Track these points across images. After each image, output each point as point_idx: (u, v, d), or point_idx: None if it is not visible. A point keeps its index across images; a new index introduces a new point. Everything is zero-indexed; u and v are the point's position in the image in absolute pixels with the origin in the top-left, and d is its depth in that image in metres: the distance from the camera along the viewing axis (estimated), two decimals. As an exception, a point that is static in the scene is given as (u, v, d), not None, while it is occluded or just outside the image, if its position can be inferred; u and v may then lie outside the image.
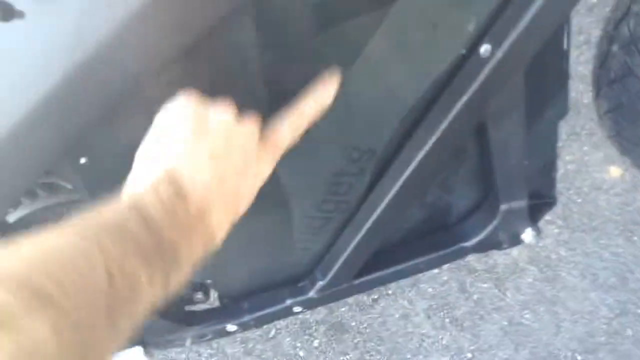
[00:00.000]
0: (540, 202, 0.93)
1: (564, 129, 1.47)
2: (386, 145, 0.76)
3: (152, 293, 0.41)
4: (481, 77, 0.66)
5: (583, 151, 1.43)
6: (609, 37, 0.98)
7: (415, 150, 0.75)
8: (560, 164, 1.43)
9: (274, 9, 0.57)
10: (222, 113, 0.51)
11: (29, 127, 0.56)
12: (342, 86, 0.68)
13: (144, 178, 0.48)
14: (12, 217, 0.81)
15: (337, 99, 0.69)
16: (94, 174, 0.67)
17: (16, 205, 0.80)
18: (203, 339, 1.00)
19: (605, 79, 1.02)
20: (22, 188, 0.63)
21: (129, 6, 0.50)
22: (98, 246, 0.38)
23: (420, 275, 1.38)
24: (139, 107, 0.61)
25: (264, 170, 0.56)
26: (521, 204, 0.87)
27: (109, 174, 0.68)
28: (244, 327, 1.00)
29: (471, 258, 1.39)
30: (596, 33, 1.30)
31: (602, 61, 1.01)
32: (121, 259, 0.39)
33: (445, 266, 1.38)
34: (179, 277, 0.45)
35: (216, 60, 0.58)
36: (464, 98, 0.68)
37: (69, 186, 0.84)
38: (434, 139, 0.72)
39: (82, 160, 0.65)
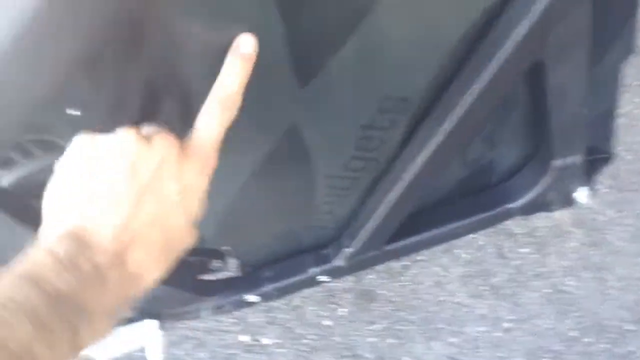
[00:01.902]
0: (596, 157, 0.83)
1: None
2: (423, 92, 0.66)
3: (58, 355, 0.40)
4: (541, 4, 0.55)
5: (634, 103, 1.31)
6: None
7: (458, 97, 0.65)
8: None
9: None
10: (120, 140, 0.47)
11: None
12: (371, 24, 0.58)
13: (46, 236, 0.46)
14: (6, 180, 0.73)
15: (366, 39, 0.60)
16: (84, 126, 0.59)
17: (9, 165, 0.73)
18: (220, 311, 0.93)
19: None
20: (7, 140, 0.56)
21: None
22: None
23: (454, 240, 1.29)
24: (125, 56, 0.53)
25: (195, 184, 0.50)
26: (576, 159, 0.76)
27: (100, 126, 0.60)
28: (265, 297, 0.92)
29: (509, 221, 1.29)
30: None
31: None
32: (9, 334, 0.37)
33: (482, 230, 1.29)
34: (94, 330, 0.43)
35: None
36: (519, 32, 0.57)
37: (65, 143, 0.77)
38: (480, 83, 0.62)
39: (72, 111, 0.56)
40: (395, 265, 1.29)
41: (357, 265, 0.90)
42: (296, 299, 1.30)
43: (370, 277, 1.29)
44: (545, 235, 1.26)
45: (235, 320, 1.29)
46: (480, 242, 1.27)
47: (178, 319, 0.91)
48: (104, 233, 0.45)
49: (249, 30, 0.55)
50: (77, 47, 0.49)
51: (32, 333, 0.39)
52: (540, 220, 1.27)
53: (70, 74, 0.51)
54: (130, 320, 0.85)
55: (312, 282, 0.91)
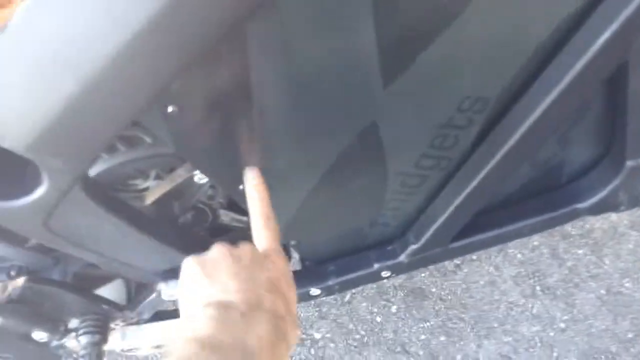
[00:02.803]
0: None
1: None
2: (502, 93, 0.67)
3: None
4: (628, 9, 0.56)
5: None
6: None
7: (537, 99, 0.65)
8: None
9: None
10: (217, 249, 0.58)
11: (119, 70, 0.50)
12: (459, 26, 0.59)
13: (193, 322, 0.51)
14: (93, 171, 0.77)
15: (448, 41, 0.61)
16: (184, 126, 0.62)
17: (95, 159, 0.76)
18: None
19: None
20: (111, 133, 0.58)
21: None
22: None
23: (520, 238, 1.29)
24: (226, 56, 0.55)
25: (276, 271, 0.59)
26: (651, 160, 0.76)
27: (202, 125, 0.63)
28: (327, 291, 0.94)
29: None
30: None
31: None
32: None
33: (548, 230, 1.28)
34: None
35: None
36: (604, 35, 0.58)
37: (149, 140, 0.79)
38: (561, 85, 0.63)
39: (170, 109, 0.59)
40: (447, 264, 1.29)
41: (421, 261, 0.91)
42: (347, 294, 1.31)
43: (422, 275, 1.30)
44: (601, 236, 1.25)
45: (287, 314, 1.31)
46: (535, 243, 1.27)
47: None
48: (234, 296, 0.52)
49: (341, 30, 0.57)
50: (186, 49, 0.51)
51: None
52: (596, 221, 1.26)
53: (177, 73, 0.53)
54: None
55: (375, 277, 0.92)
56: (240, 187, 0.74)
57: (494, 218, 0.87)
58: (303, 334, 1.29)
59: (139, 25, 0.47)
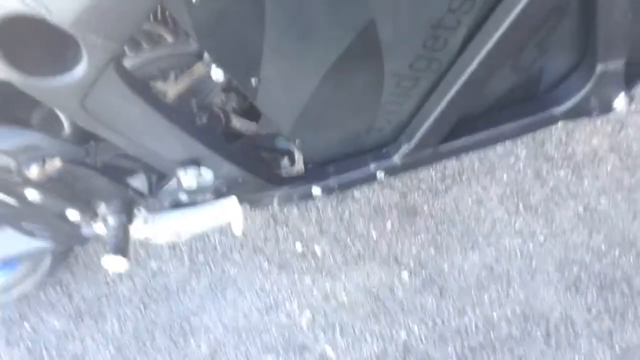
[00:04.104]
0: (636, 69, 0.91)
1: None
2: (483, -4, 0.76)
3: None
4: None
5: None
6: None
7: (514, 1, 0.74)
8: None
9: None
10: None
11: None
12: None
13: None
14: (127, 63, 0.85)
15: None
16: (205, 15, 0.70)
17: (122, 54, 0.84)
18: (289, 201, 1.04)
19: None
20: (143, 15, 0.66)
21: None
22: None
23: (495, 162, 1.38)
24: None
25: None
26: (618, 64, 0.85)
27: (221, 15, 0.71)
28: (328, 190, 1.03)
29: (549, 146, 1.38)
30: None
31: None
32: None
33: (522, 154, 1.38)
34: None
35: None
36: None
37: (171, 38, 0.88)
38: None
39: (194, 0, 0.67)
40: (438, 184, 1.39)
41: (413, 163, 1.00)
42: (346, 212, 1.41)
43: (415, 195, 1.39)
44: (582, 159, 1.34)
45: (289, 231, 1.41)
46: (520, 165, 1.36)
47: (255, 204, 1.03)
48: None
49: None
50: None
51: None
52: (578, 145, 1.35)
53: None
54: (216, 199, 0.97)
55: (371, 178, 1.02)
56: (254, 81, 0.83)
57: (479, 122, 0.96)
58: (304, 248, 1.40)
59: None
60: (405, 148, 0.97)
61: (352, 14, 0.76)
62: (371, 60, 0.83)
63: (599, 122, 1.35)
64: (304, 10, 0.73)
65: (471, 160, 1.39)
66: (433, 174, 1.40)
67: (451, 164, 1.40)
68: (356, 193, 1.42)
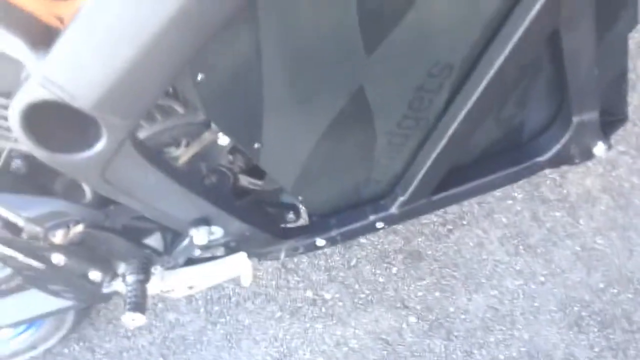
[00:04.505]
0: (612, 118, 0.98)
1: (638, 61, 1.48)
2: (464, 59, 0.83)
3: None
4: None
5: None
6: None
7: (491, 62, 0.81)
8: (634, 96, 1.45)
9: None
10: None
11: (160, 45, 0.66)
12: (426, 1, 0.76)
13: None
14: (141, 135, 0.93)
15: (418, 15, 0.77)
16: (210, 91, 0.79)
17: (137, 128, 0.93)
18: (295, 253, 1.11)
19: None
20: (156, 95, 0.74)
21: None
22: None
23: (494, 205, 1.44)
24: (252, 24, 0.72)
25: None
26: (593, 115, 0.92)
27: (224, 90, 0.80)
28: (331, 241, 1.10)
29: (544, 188, 1.43)
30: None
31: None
32: None
33: (519, 197, 1.43)
34: None
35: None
36: (537, 7, 0.74)
37: (181, 110, 0.97)
38: (508, 49, 0.79)
39: (199, 77, 0.76)
40: (440, 229, 1.45)
41: (409, 213, 1.06)
42: (354, 259, 1.47)
43: (419, 240, 1.45)
44: (576, 200, 1.40)
45: (299, 279, 1.47)
46: (518, 208, 1.42)
47: (262, 258, 1.10)
48: None
49: (328, 7, 0.73)
50: (208, 27, 0.68)
51: None
52: (572, 186, 1.41)
53: (202, 48, 0.70)
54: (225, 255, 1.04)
55: (371, 228, 1.08)
56: (256, 145, 0.91)
57: (468, 173, 1.02)
58: (315, 295, 1.45)
59: (174, 8, 0.64)
60: (400, 199, 1.03)
61: (343, 81, 0.84)
62: (363, 120, 0.91)
63: (590, 163, 1.41)
64: (299, 80, 0.82)
65: (471, 204, 1.45)
66: (435, 219, 1.46)
67: (452, 209, 1.46)
68: (362, 239, 1.48)
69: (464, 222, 1.44)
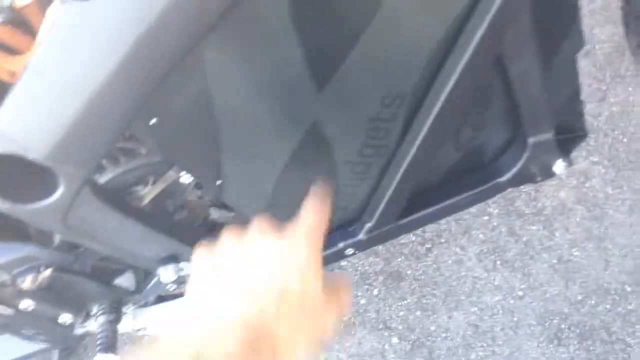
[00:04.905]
0: (570, 135, 0.99)
1: (607, 73, 1.49)
2: (414, 88, 0.84)
3: None
4: (490, 15, 0.73)
5: (628, 92, 1.45)
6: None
7: (440, 90, 0.82)
8: (604, 107, 1.46)
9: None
10: (230, 248, 0.51)
11: (109, 94, 0.68)
12: (368, 38, 0.77)
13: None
14: (102, 179, 0.94)
15: (364, 50, 0.79)
16: (165, 133, 0.80)
17: (101, 170, 0.94)
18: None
19: (631, 14, 1.06)
20: (109, 143, 0.75)
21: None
22: None
23: (471, 222, 1.45)
24: (199, 67, 0.73)
25: (306, 255, 0.52)
26: (548, 135, 0.93)
27: (179, 132, 0.81)
28: (303, 270, 1.11)
29: (519, 203, 1.44)
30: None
31: (627, -1, 1.05)
32: None
33: (495, 212, 1.44)
34: None
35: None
36: (478, 36, 0.75)
37: (144, 151, 0.98)
38: (455, 77, 0.80)
39: (153, 121, 0.77)
40: (419, 248, 1.46)
41: (377, 238, 1.07)
42: (334, 282, 1.47)
43: (399, 260, 1.46)
44: (551, 213, 1.40)
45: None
46: (494, 223, 1.43)
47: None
48: (261, 319, 0.46)
49: (272, 49, 0.75)
50: (156, 75, 0.70)
51: None
52: (547, 200, 1.42)
53: (153, 93, 0.71)
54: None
55: (341, 255, 1.09)
56: (218, 182, 0.92)
57: (433, 196, 1.03)
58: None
59: (117, 60, 0.66)
60: (367, 225, 1.04)
61: (296, 118, 0.85)
62: (322, 152, 0.92)
63: (564, 175, 1.42)
64: (252, 119, 0.83)
65: (448, 222, 1.46)
66: (414, 238, 1.47)
67: (430, 227, 1.47)
68: (343, 262, 1.49)
69: (442, 240, 1.44)
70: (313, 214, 0.55)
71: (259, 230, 0.52)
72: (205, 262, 0.51)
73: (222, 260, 0.50)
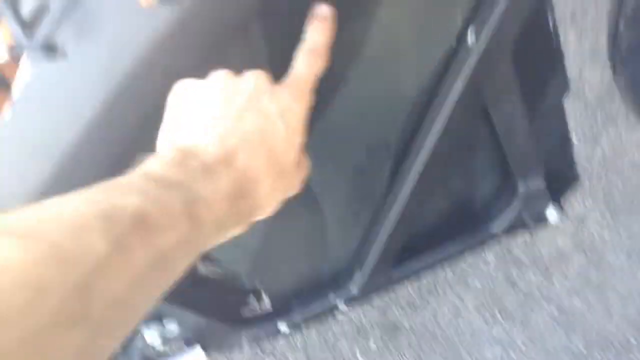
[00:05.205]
0: (562, 179, 0.97)
1: (599, 115, 1.49)
2: (398, 138, 0.83)
3: (179, 231, 0.41)
4: (470, 65, 0.73)
5: (620, 134, 1.44)
6: (615, 16, 1.02)
7: (425, 139, 0.81)
8: (597, 149, 1.45)
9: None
10: (214, 77, 0.53)
11: (73, 161, 0.66)
12: (350, 84, 0.76)
13: (156, 154, 0.50)
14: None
15: (348, 97, 0.78)
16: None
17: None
18: (259, 340, 1.08)
19: (617, 57, 1.06)
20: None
21: (154, 31, 0.60)
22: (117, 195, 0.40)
23: (468, 270, 1.42)
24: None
25: (292, 107, 0.53)
26: (538, 183, 0.91)
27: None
28: (294, 326, 1.07)
29: (516, 250, 1.41)
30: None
31: (612, 40, 1.05)
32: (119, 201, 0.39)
33: (491, 259, 1.41)
34: (215, 218, 0.45)
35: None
36: (459, 87, 0.74)
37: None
38: (439, 127, 0.79)
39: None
40: (416, 298, 1.42)
41: (370, 289, 1.04)
42: (331, 337, 1.43)
43: (395, 312, 1.42)
44: (549, 260, 1.37)
45: (275, 359, 1.43)
46: (491, 271, 1.40)
47: (222, 349, 1.07)
48: (209, 140, 0.47)
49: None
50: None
51: (145, 203, 0.39)
52: (543, 246, 1.39)
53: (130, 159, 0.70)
54: (180, 351, 1.01)
55: (332, 308, 1.05)
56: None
57: (424, 245, 1.01)
58: (293, 377, 1.41)
59: (91, 117, 0.64)
60: (358, 277, 1.01)
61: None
62: (309, 206, 0.90)
63: (558, 222, 1.40)
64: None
65: (444, 269, 1.43)
66: (410, 287, 1.44)
67: (425, 276, 1.43)
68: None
69: (439, 290, 1.41)
70: (312, 60, 0.56)
71: (255, 74, 0.52)
72: (182, 94, 0.51)
73: (202, 92, 0.51)
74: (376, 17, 0.70)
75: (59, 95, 0.64)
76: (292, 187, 0.57)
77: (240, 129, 0.48)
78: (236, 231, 0.52)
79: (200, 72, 0.63)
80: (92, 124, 0.63)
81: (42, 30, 0.61)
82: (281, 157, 0.51)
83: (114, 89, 0.62)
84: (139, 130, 0.67)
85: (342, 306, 1.06)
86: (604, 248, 1.36)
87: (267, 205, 0.53)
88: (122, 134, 0.67)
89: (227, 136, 0.48)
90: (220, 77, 0.52)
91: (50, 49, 0.60)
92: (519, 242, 1.41)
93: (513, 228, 0.98)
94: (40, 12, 0.63)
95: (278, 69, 0.61)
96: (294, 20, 0.62)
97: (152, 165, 0.45)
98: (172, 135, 0.51)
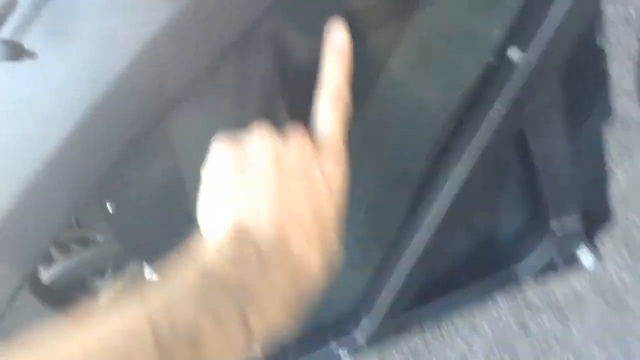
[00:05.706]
0: (595, 219, 0.87)
1: (614, 148, 1.41)
2: (421, 168, 0.73)
3: (229, 337, 0.41)
4: (513, 84, 0.63)
5: (637, 168, 1.36)
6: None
7: (451, 170, 0.71)
8: (614, 186, 1.36)
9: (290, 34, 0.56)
10: (258, 137, 0.47)
11: (48, 174, 0.55)
12: (369, 108, 0.66)
13: (211, 239, 0.47)
14: (47, 276, 0.80)
15: (365, 120, 0.67)
16: (120, 221, 0.66)
17: (50, 262, 0.80)
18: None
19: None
20: (48, 238, 0.62)
21: (141, 38, 0.50)
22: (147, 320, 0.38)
23: (476, 312, 1.30)
24: (158, 145, 0.61)
25: (334, 172, 0.50)
26: (573, 219, 0.81)
27: (136, 219, 0.67)
28: (290, 374, 0.95)
29: (529, 292, 1.31)
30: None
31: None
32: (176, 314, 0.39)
33: (502, 302, 1.30)
34: (265, 317, 0.44)
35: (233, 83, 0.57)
36: (497, 109, 0.64)
37: (101, 239, 0.83)
38: (469, 156, 0.69)
39: (107, 206, 0.64)
40: (419, 342, 1.30)
41: (376, 337, 0.92)
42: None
43: (395, 357, 1.30)
44: (564, 302, 1.27)
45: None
46: (501, 314, 1.29)
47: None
48: (263, 218, 0.44)
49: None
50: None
51: (198, 314, 0.38)
52: (557, 287, 1.29)
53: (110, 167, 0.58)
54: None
55: (332, 357, 0.94)
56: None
57: (439, 288, 0.90)
58: None
59: (66, 131, 0.53)
60: (366, 324, 0.90)
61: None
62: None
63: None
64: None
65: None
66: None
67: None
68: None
69: (444, 333, 1.29)
70: (337, 108, 0.51)
71: (299, 138, 0.48)
72: (227, 157, 0.47)
73: (248, 155, 0.46)
74: (398, 35, 0.60)
75: (27, 103, 0.53)
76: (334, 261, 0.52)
77: (291, 201, 0.45)
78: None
79: (194, 79, 0.53)
80: (68, 136, 0.52)
81: (8, 27, 0.50)
82: (329, 230, 0.49)
83: (95, 97, 0.51)
84: (119, 147, 0.56)
85: (344, 355, 0.94)
86: (624, 291, 1.26)
87: (315, 289, 0.49)
88: (99, 151, 0.56)
89: (280, 210, 0.44)
90: (266, 140, 0.47)
91: (16, 49, 0.49)
92: (532, 283, 1.31)
93: (540, 270, 0.87)
94: (8, 8, 0.52)
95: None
96: (302, 19, 0.53)
97: (210, 257, 0.43)
98: (221, 207, 0.46)
